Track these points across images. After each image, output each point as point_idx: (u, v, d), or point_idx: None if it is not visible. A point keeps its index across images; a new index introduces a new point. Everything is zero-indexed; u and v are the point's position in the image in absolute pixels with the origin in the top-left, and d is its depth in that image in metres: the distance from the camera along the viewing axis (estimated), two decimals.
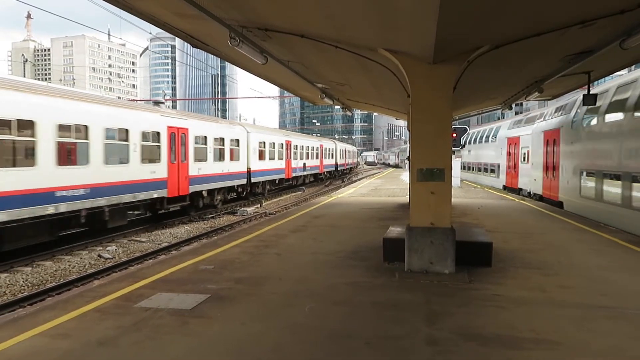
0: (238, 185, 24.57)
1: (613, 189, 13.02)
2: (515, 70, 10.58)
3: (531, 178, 21.80)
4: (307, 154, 38.50)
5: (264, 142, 28.20)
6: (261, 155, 27.56)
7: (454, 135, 20.41)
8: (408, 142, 21.70)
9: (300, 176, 36.54)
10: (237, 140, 24.28)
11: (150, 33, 44.78)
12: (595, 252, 9.41)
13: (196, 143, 20.07)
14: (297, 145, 35.40)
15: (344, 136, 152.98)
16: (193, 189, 19.42)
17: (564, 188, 17.07)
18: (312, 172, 40.39)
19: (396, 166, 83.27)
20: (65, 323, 5.47)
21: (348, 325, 5.41)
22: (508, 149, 26.36)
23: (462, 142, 30.58)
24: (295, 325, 5.39)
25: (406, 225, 7.97)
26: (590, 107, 14.43)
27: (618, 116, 13.03)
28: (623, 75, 14.47)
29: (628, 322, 5.48)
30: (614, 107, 13.33)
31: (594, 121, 14.69)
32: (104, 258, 12.89)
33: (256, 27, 7.47)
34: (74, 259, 12.73)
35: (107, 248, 13.97)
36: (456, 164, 25.54)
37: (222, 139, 22.56)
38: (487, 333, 5.13)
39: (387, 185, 29.37)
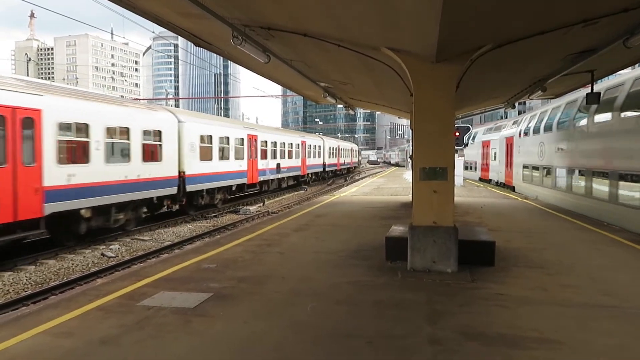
0: (160, 197, 17.08)
1: (535, 175, 20.89)
2: (518, 69, 10.55)
3: (498, 171, 29.07)
4: (284, 152, 31.34)
5: (210, 136, 20.80)
6: (205, 154, 20.28)
7: (457, 134, 20.62)
8: (411, 141, 21.71)
9: (273, 180, 29.23)
10: (159, 133, 16.92)
11: (153, 32, 44.97)
12: (597, 251, 9.38)
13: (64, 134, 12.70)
14: (266, 141, 27.57)
15: (346, 135, 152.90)
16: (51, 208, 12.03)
17: (514, 177, 24.81)
18: (291, 174, 33.13)
19: (397, 165, 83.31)
20: (68, 321, 5.49)
21: (350, 324, 5.42)
22: (482, 150, 33.86)
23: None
24: (297, 324, 5.40)
25: (409, 224, 7.97)
26: (525, 126, 22.88)
27: (537, 134, 20.74)
28: (551, 102, 20.28)
29: (630, 321, 5.46)
30: (534, 128, 21.37)
31: (526, 134, 22.60)
32: (107, 257, 12.92)
33: (259, 26, 7.48)
34: (77, 257, 12.76)
35: (110, 247, 14.00)
36: (459, 162, 26.04)
37: (127, 130, 15.14)
38: (490, 332, 5.12)
39: (389, 184, 29.35)
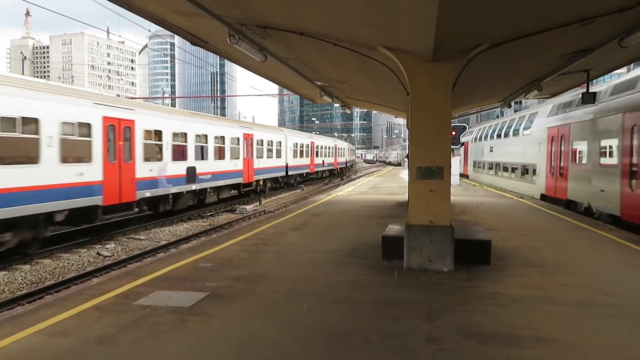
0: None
1: (479, 168, 32.22)
2: (515, 69, 10.58)
3: (462, 168, 36.72)
4: (209, 151, 20.98)
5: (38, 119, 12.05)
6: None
7: (453, 133, 20.65)
8: (407, 140, 21.75)
9: (182, 194, 18.79)
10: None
11: (150, 31, 44.67)
12: (593, 250, 9.42)
13: None
14: (161, 131, 17.35)
15: (343, 134, 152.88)
16: None
17: (469, 169, 36.18)
18: (227, 181, 22.60)
19: (393, 164, 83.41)
20: (64, 321, 5.47)
21: (347, 323, 5.41)
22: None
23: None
24: (294, 323, 5.39)
25: (405, 223, 7.97)
26: (476, 136, 33.67)
27: (479, 142, 32.26)
28: (483, 123, 34.23)
29: (627, 320, 5.48)
30: (476, 138, 33.22)
31: (474, 143, 34.07)
32: (102, 256, 12.88)
33: (255, 25, 7.46)
34: (73, 256, 12.72)
35: (106, 246, 13.96)
36: (455, 162, 26.55)
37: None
38: (487, 331, 5.13)
39: (386, 184, 29.38)
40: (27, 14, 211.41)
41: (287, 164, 32.59)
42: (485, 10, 5.91)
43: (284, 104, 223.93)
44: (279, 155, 30.95)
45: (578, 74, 11.32)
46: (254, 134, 26.69)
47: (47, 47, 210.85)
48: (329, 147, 47.66)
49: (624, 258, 8.70)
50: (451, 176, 7.95)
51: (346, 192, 23.48)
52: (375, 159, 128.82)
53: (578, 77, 12.12)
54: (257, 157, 27.04)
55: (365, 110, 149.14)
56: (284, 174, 32.08)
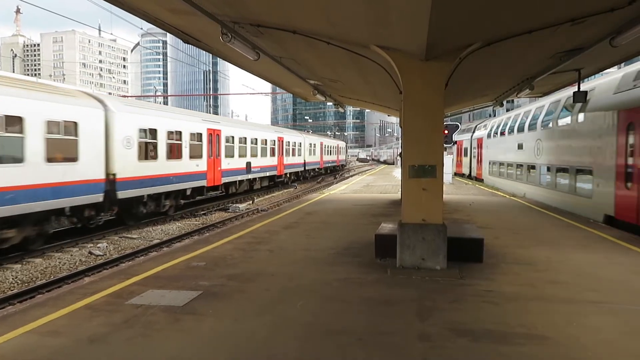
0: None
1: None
2: (507, 67, 10.62)
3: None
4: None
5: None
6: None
7: (446, 132, 20.65)
8: (400, 139, 21.78)
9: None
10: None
11: (142, 29, 44.34)
12: (584, 248, 9.49)
13: None
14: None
15: (337, 133, 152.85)
16: None
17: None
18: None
19: (386, 163, 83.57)
20: (56, 320, 5.44)
21: (340, 321, 5.43)
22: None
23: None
24: (287, 322, 5.39)
25: (398, 221, 7.99)
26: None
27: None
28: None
29: (617, 317, 5.54)
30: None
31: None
32: (94, 255, 12.81)
33: (248, 23, 7.44)
34: (65, 256, 12.65)
35: (98, 245, 13.89)
36: (448, 160, 26.23)
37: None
38: (479, 328, 5.16)
39: (379, 182, 29.43)
40: (18, 11, 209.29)
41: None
42: (477, 9, 5.94)
43: (277, 103, 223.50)
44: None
45: (569, 73, 11.39)
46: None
47: (38, 44, 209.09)
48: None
49: (615, 256, 8.78)
50: (444, 174, 7.98)
51: (339, 190, 23.50)
52: (368, 158, 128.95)
53: (569, 76, 12.19)
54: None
55: (358, 108, 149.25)
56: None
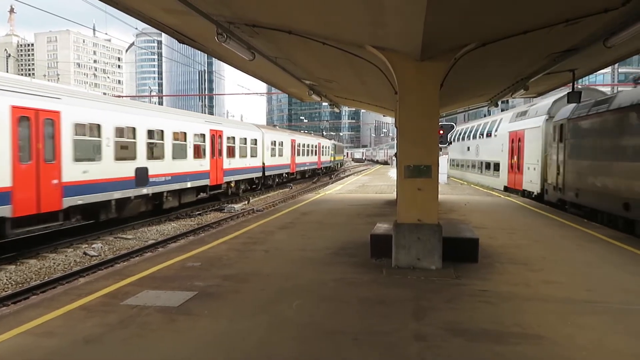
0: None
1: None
2: (502, 68, 10.66)
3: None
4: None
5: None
6: None
7: (441, 132, 20.73)
8: (395, 139, 21.91)
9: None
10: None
11: (137, 28, 44.22)
12: (579, 247, 9.54)
13: None
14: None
15: (331, 133, 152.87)
16: None
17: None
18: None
19: (382, 163, 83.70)
20: (51, 321, 5.41)
21: (336, 321, 5.43)
22: None
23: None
24: (282, 322, 5.39)
25: (393, 221, 8.01)
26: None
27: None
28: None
29: (612, 316, 5.57)
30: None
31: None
32: (89, 255, 12.76)
33: (244, 23, 7.43)
34: (59, 256, 12.59)
35: (93, 245, 13.83)
36: (443, 160, 26.22)
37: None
38: (474, 328, 5.18)
39: (374, 182, 29.45)
40: (12, 11, 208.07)
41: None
42: (472, 10, 5.96)
43: (272, 103, 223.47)
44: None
45: (564, 73, 11.44)
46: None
47: (32, 44, 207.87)
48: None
49: (609, 256, 8.83)
50: (439, 175, 8.01)
51: (335, 190, 23.50)
52: (363, 158, 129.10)
53: (564, 77, 12.25)
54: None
55: (354, 109, 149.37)
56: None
